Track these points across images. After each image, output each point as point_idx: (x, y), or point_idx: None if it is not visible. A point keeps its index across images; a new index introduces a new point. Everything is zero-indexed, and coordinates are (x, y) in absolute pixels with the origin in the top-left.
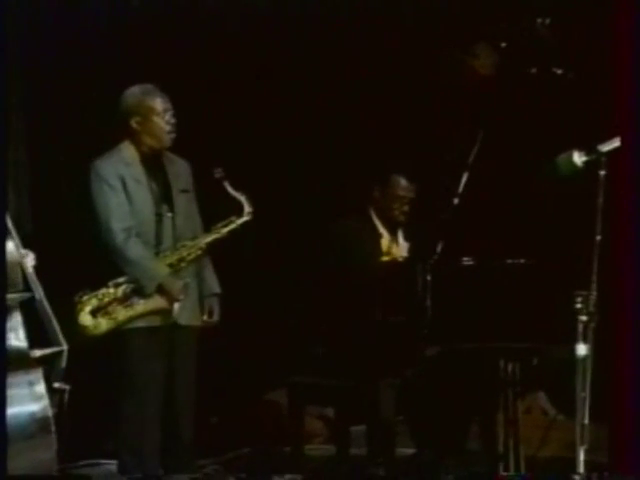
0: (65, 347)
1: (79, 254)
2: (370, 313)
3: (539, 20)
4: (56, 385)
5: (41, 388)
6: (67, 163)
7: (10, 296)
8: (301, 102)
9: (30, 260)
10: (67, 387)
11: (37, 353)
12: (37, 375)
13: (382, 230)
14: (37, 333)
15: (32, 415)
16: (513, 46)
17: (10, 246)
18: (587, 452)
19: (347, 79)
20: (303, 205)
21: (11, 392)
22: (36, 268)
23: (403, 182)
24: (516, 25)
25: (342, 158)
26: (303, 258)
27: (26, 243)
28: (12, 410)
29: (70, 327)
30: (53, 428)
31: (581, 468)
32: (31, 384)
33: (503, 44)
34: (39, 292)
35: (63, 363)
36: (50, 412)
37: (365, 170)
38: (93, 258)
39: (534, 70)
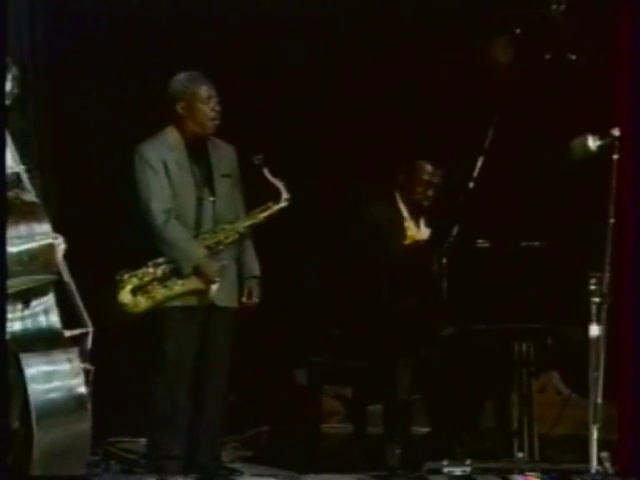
0: (91, 329)
1: (115, 235)
2: (386, 294)
3: (554, 6)
4: (82, 366)
5: (78, 365)
6: (102, 147)
7: (44, 277)
8: (334, 91)
9: (60, 243)
10: (92, 368)
11: (66, 334)
12: (74, 353)
13: (406, 214)
14: (65, 315)
15: (70, 390)
16: (528, 32)
17: (46, 228)
18: (600, 430)
19: (376, 67)
20: (334, 190)
21: (51, 368)
22: (67, 250)
23: (428, 167)
24: (531, 11)
25: (370, 143)
26: (329, 241)
27: (53, 224)
28: (52, 385)
29: (105, 307)
30: (89, 404)
31: (594, 446)
32: (68, 361)
33: (518, 30)
34: (66, 275)
35: (89, 344)
36: (85, 389)
37: (392, 155)
38: (133, 239)
39: (548, 56)
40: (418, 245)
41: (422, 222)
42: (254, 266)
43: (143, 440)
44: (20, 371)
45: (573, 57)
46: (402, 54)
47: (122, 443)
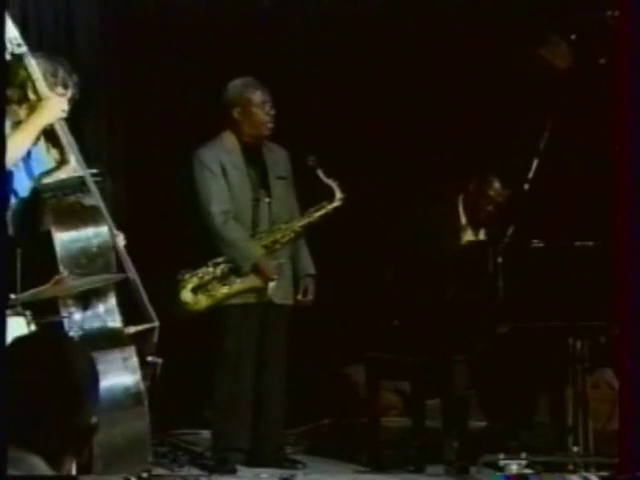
0: (157, 323)
1: (178, 236)
2: (444, 292)
3: (608, 12)
4: (149, 359)
5: (134, 363)
6: (165, 152)
7: (107, 277)
8: (399, 91)
9: (121, 240)
10: (159, 361)
11: (131, 330)
12: (131, 352)
13: (464, 222)
14: (131, 311)
15: (126, 389)
16: (583, 37)
17: (104, 231)
18: None
19: (437, 67)
20: (392, 188)
21: (107, 367)
22: (131, 249)
23: (497, 185)
24: (586, 17)
25: (439, 147)
26: (389, 240)
27: (121, 226)
28: (108, 383)
29: (169, 304)
30: (146, 401)
31: None
32: (125, 360)
33: (573, 36)
34: (132, 272)
35: (155, 338)
36: (143, 386)
37: (462, 161)
38: (193, 239)
39: (603, 61)
40: (472, 244)
41: (482, 232)
42: (309, 264)
43: (206, 432)
44: None
45: None
46: (461, 56)
47: (185, 435)
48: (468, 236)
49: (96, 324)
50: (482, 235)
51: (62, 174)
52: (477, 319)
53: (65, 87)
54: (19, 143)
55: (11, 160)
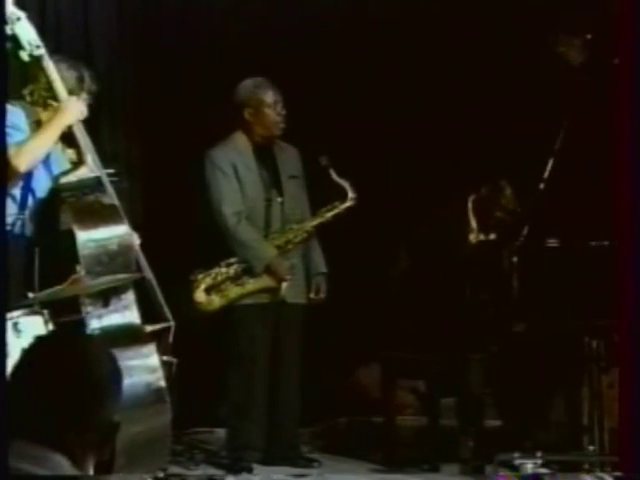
0: (172, 323)
1: (191, 237)
2: (459, 291)
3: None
4: (164, 358)
5: (155, 360)
6: (179, 154)
7: (128, 276)
8: (409, 94)
9: (135, 239)
10: (174, 360)
11: (147, 329)
12: (151, 348)
13: (474, 225)
14: (146, 310)
15: (148, 385)
16: (598, 37)
17: (123, 230)
18: None
19: (448, 68)
20: (405, 189)
21: (128, 364)
22: (147, 249)
23: (508, 192)
24: (601, 17)
25: (450, 149)
26: (404, 239)
27: (137, 227)
28: (129, 381)
29: (182, 304)
30: (167, 397)
31: None
32: (146, 357)
33: (589, 36)
34: (148, 272)
35: (170, 338)
36: (164, 383)
37: (473, 164)
38: (205, 240)
39: (617, 61)
40: (486, 244)
41: (492, 237)
42: (321, 263)
43: (220, 431)
44: None
45: None
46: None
47: (200, 434)
48: (478, 239)
49: (116, 321)
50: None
51: (79, 174)
52: (492, 318)
53: (89, 93)
54: (40, 144)
55: (31, 162)
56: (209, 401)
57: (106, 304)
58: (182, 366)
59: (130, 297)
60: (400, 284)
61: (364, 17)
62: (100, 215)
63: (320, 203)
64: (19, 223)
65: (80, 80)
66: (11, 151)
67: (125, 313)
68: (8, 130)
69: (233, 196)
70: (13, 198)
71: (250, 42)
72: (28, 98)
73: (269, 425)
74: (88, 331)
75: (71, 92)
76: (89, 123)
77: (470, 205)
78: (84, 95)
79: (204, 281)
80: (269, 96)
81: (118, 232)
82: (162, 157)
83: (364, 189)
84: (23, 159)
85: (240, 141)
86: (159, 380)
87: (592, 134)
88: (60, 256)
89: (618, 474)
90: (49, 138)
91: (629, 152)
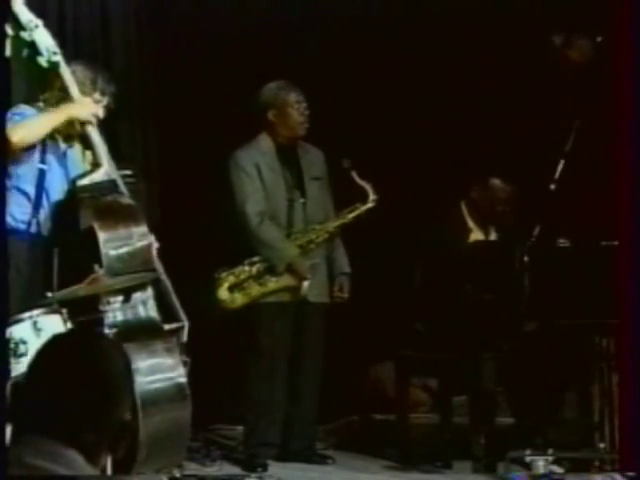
0: (186, 323)
1: (209, 237)
2: (470, 291)
3: None
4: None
5: (177, 356)
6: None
7: (145, 275)
8: (414, 100)
9: (153, 242)
10: (188, 359)
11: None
12: (173, 344)
13: (472, 225)
14: (161, 311)
15: (170, 380)
16: (607, 38)
17: (144, 229)
18: None
19: (457, 72)
20: (416, 191)
21: (153, 360)
22: (166, 249)
23: (501, 184)
24: (609, 18)
25: (445, 152)
26: (417, 241)
27: (153, 227)
28: (155, 376)
29: (203, 302)
30: (188, 391)
31: None
32: (169, 351)
33: (599, 38)
34: (162, 274)
35: (184, 337)
36: (185, 378)
37: (460, 166)
38: (229, 239)
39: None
40: (494, 243)
41: (492, 230)
42: (344, 263)
43: (240, 428)
44: None
45: None
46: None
47: (221, 430)
48: (477, 237)
49: (137, 316)
50: (493, 235)
51: (96, 177)
52: (504, 317)
53: (102, 94)
54: (39, 123)
55: (25, 137)
56: (228, 398)
57: (128, 299)
58: (200, 364)
59: (149, 293)
60: (415, 283)
61: (386, 19)
62: (120, 214)
63: (343, 204)
64: (34, 222)
65: (94, 81)
66: (9, 125)
67: (145, 307)
68: (16, 117)
69: (256, 196)
70: (27, 197)
71: (271, 42)
72: (42, 104)
73: (286, 422)
74: (109, 326)
75: (84, 93)
76: (107, 124)
77: (463, 208)
78: (97, 96)
79: (227, 279)
80: (292, 97)
81: (138, 231)
82: (181, 157)
83: (385, 191)
84: (17, 131)
85: (264, 142)
86: (181, 376)
87: (603, 134)
88: (79, 255)
89: (630, 474)
90: (49, 120)
91: (629, 152)
